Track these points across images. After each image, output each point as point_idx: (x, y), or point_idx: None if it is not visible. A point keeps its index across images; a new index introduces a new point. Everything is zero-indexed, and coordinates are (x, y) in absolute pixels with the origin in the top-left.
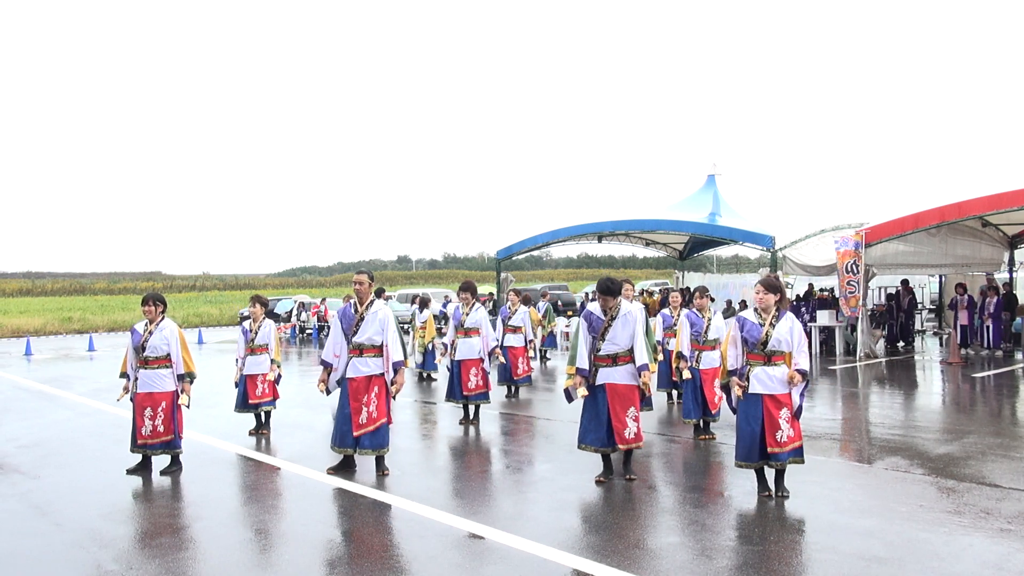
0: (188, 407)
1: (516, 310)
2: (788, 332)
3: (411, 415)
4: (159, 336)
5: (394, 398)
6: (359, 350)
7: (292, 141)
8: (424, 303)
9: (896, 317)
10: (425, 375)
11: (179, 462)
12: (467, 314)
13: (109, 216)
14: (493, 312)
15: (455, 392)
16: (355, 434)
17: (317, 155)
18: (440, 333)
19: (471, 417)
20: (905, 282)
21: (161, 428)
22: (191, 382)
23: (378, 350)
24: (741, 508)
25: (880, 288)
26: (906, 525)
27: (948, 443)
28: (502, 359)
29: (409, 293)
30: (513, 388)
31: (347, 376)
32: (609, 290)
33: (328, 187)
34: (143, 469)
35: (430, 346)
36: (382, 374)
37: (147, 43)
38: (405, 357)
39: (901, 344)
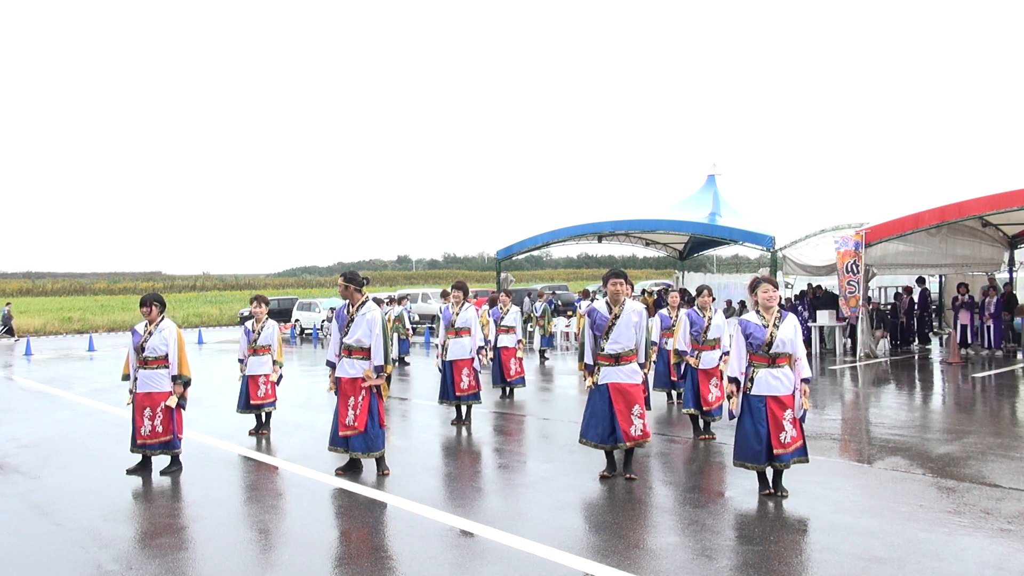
0: (182, 408)
1: (508, 310)
2: (793, 333)
3: (401, 416)
4: (158, 337)
5: (381, 396)
6: (348, 351)
7: (292, 141)
8: (377, 304)
9: (897, 317)
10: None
11: (179, 462)
12: (457, 314)
13: (109, 216)
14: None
15: (448, 393)
16: (340, 434)
17: (317, 155)
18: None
19: (463, 418)
20: (920, 280)
21: (160, 428)
22: (185, 386)
23: (365, 353)
24: (741, 508)
25: (880, 288)
26: (906, 525)
27: (948, 443)
28: (486, 360)
29: (406, 293)
30: (507, 389)
31: (338, 375)
32: (621, 273)
33: (328, 187)
34: (143, 469)
35: None
36: None
37: (147, 43)
38: (386, 363)
39: (898, 343)
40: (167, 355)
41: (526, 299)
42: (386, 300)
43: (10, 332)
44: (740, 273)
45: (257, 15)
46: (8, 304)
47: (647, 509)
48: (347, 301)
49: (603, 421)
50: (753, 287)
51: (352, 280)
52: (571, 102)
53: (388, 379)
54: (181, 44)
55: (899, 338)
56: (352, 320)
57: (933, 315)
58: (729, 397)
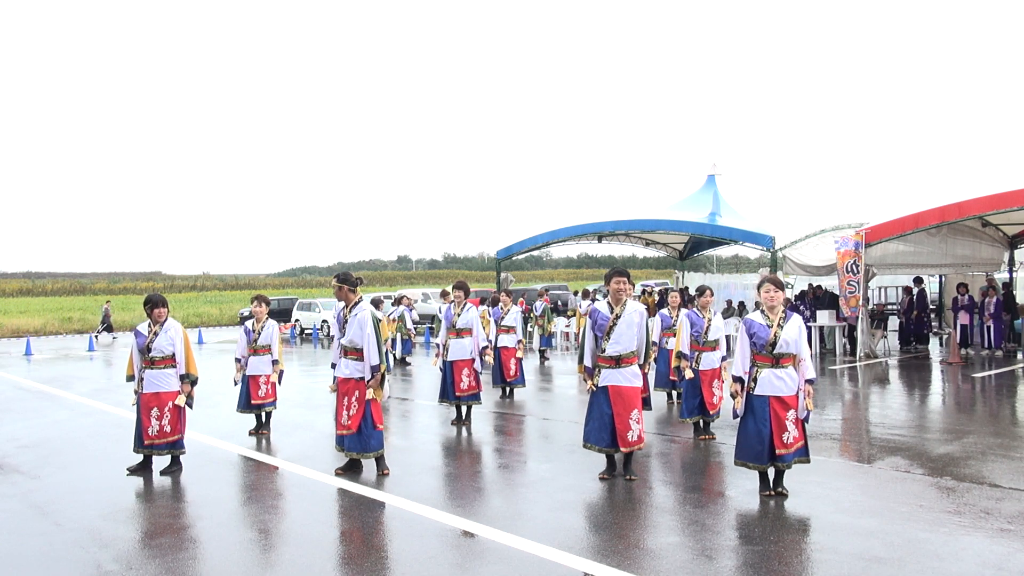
0: (190, 407)
1: (508, 310)
2: (797, 334)
3: (401, 416)
4: (164, 337)
5: (376, 399)
6: (345, 351)
7: (292, 141)
8: (376, 304)
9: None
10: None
11: (179, 462)
12: (458, 314)
13: (109, 216)
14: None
15: (448, 393)
16: (338, 433)
17: (317, 155)
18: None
19: (463, 418)
20: (918, 280)
21: (168, 428)
22: (192, 384)
23: (359, 353)
24: (741, 508)
25: (880, 288)
26: (906, 525)
27: (948, 443)
28: (491, 360)
29: (404, 294)
30: (507, 389)
31: (336, 375)
32: (624, 272)
33: (328, 187)
34: (144, 469)
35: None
36: (362, 379)
37: (147, 43)
38: (381, 361)
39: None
40: (174, 355)
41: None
42: (393, 299)
43: (109, 329)
44: (740, 273)
45: (257, 15)
46: (108, 302)
47: (647, 509)
48: (343, 303)
49: (603, 426)
50: (759, 287)
51: (345, 281)
52: (571, 102)
53: (382, 380)
54: (181, 44)
55: (899, 338)
56: (346, 321)
57: (932, 315)
58: (733, 396)
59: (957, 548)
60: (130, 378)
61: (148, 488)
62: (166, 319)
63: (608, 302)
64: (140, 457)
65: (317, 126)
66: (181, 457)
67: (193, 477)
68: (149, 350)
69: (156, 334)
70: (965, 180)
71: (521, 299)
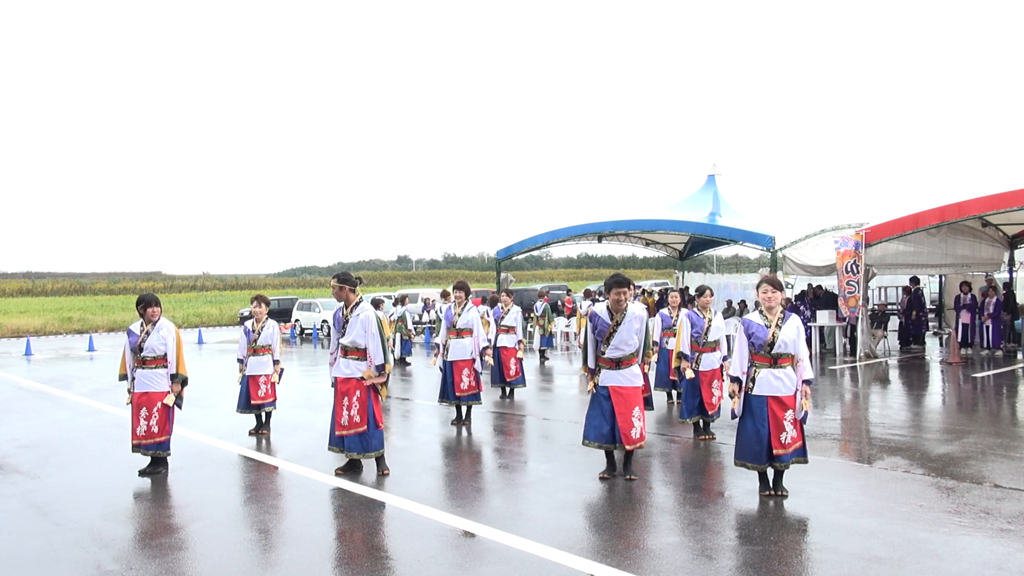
0: (178, 407)
1: (508, 310)
2: (795, 334)
3: (401, 415)
4: (156, 336)
5: (379, 393)
6: (345, 351)
7: (292, 141)
8: (376, 304)
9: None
10: None
11: (165, 463)
12: (459, 314)
13: (109, 216)
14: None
15: (448, 393)
16: (336, 433)
17: (317, 155)
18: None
19: (463, 418)
20: (915, 280)
21: (155, 428)
22: (182, 385)
23: (361, 353)
24: (741, 508)
25: (880, 288)
26: (906, 525)
27: (948, 443)
28: (491, 361)
29: (406, 294)
30: (507, 389)
31: (334, 375)
32: (624, 283)
33: (328, 187)
34: (155, 471)
35: None
36: (363, 378)
37: (147, 43)
38: (387, 361)
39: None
40: (165, 354)
41: (538, 302)
42: (394, 299)
43: None
44: (740, 273)
45: (257, 15)
46: None
47: (647, 509)
48: (342, 303)
49: (604, 423)
50: (758, 287)
51: (345, 281)
52: (571, 102)
53: (387, 378)
54: (181, 44)
55: (898, 338)
56: (347, 321)
57: (930, 315)
58: (731, 396)
59: (957, 548)
60: (123, 377)
61: (148, 488)
62: (159, 318)
63: (607, 307)
64: (148, 458)
65: (317, 126)
66: (176, 458)
67: (193, 477)
68: (141, 349)
69: (148, 333)
70: (965, 180)
71: (545, 296)
